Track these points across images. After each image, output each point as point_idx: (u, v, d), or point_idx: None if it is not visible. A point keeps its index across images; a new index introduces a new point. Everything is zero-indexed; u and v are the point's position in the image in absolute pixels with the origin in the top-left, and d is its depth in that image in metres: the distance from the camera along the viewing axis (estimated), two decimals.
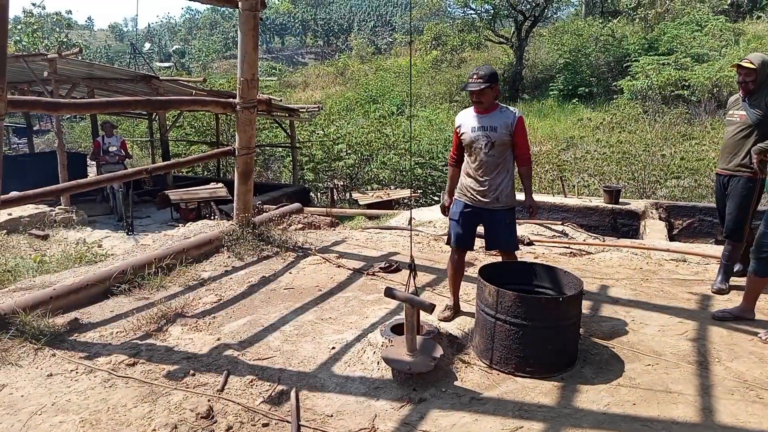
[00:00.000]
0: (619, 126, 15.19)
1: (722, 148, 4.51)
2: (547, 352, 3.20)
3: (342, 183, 15.58)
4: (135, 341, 3.65)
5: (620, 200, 8.52)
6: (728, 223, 4.39)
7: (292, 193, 12.32)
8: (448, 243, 3.93)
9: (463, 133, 3.68)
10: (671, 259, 5.56)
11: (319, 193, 15.16)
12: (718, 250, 5.41)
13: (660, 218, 8.39)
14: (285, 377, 3.23)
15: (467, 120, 3.69)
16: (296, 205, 7.05)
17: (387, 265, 5.02)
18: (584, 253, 5.77)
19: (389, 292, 3.14)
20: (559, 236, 6.66)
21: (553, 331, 3.18)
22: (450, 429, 2.78)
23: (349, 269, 5.04)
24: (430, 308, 2.99)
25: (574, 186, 11.50)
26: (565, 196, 9.23)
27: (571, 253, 5.57)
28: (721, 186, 4.49)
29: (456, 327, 3.75)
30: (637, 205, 8.45)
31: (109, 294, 4.41)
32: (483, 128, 3.61)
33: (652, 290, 4.55)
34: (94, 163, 11.24)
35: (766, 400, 2.99)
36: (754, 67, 4.15)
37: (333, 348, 3.55)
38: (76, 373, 3.26)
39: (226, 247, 5.50)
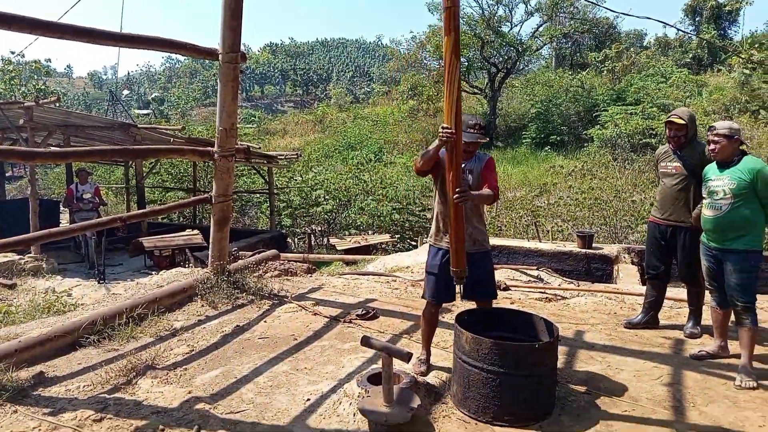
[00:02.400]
0: (590, 173, 15.63)
1: (660, 199, 4.60)
2: (524, 400, 3.17)
3: (320, 228, 15.58)
4: (102, 395, 3.52)
5: (593, 245, 8.66)
6: (686, 272, 4.47)
7: (268, 239, 12.26)
8: (424, 297, 3.91)
9: (443, 172, 3.70)
10: (640, 303, 5.63)
11: (296, 239, 15.11)
12: (680, 293, 5.52)
13: (632, 262, 8.53)
14: None
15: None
16: (272, 251, 7.01)
17: (364, 312, 4.99)
18: (559, 297, 5.82)
19: (366, 341, 3.11)
20: (534, 281, 6.71)
21: (530, 379, 3.17)
22: None
23: (325, 317, 4.99)
24: (407, 357, 2.97)
25: (548, 231, 11.68)
26: (540, 241, 9.36)
27: (546, 298, 5.61)
28: (659, 234, 4.57)
29: (433, 376, 3.72)
30: (609, 249, 8.59)
31: (77, 346, 4.28)
32: (463, 171, 3.67)
33: (627, 335, 4.59)
34: (67, 209, 11.09)
35: None
36: (684, 122, 4.36)
37: (308, 400, 3.48)
38: (39, 430, 3.13)
39: (200, 296, 5.42)
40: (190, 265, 9.16)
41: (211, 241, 5.75)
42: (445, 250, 3.71)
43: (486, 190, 3.61)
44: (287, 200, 14.95)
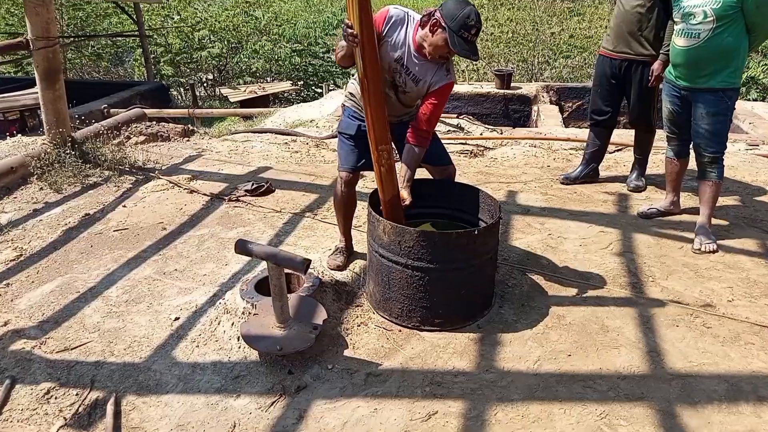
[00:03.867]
0: (507, 2, 14.38)
1: (615, 26, 3.71)
2: (460, 297, 2.46)
3: (210, 77, 13.69)
4: None
5: (512, 84, 7.91)
6: (638, 114, 3.78)
7: (146, 92, 10.44)
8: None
9: (384, 43, 2.49)
10: (572, 149, 5.04)
11: (183, 90, 13.21)
12: (621, 136, 4.95)
13: (551, 102, 7.96)
14: (102, 376, 2.26)
15: (399, 39, 2.49)
16: (136, 110, 5.63)
17: (255, 186, 3.99)
18: (483, 149, 5.07)
19: (241, 247, 2.17)
20: (454, 131, 5.90)
21: (467, 273, 2.43)
22: (341, 429, 2.01)
23: (204, 195, 3.96)
24: (303, 267, 2.09)
25: (463, 71, 10.74)
26: (455, 83, 8.46)
27: (471, 152, 4.84)
28: (610, 70, 3.76)
29: (350, 270, 2.92)
30: (528, 89, 7.88)
31: None
32: (408, 72, 2.53)
33: (565, 193, 3.96)
34: None
35: (714, 330, 2.50)
36: None
37: (176, 319, 2.59)
38: None
39: (36, 176, 4.14)
40: (42, 131, 7.47)
41: (41, 102, 4.33)
42: (360, 112, 2.69)
43: (414, 147, 2.56)
44: (165, 44, 12.73)
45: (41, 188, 4.09)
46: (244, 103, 10.81)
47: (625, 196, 3.90)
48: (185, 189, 4.04)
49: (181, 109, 9.48)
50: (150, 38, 11.59)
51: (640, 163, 3.98)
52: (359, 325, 2.53)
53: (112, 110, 8.28)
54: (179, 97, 12.68)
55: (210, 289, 2.82)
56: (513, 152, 4.90)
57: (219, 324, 2.50)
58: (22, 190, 4.06)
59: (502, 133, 5.79)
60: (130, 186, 4.16)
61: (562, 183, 4.07)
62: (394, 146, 2.61)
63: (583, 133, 5.75)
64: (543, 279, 2.89)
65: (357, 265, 2.96)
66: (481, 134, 5.82)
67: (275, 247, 3.13)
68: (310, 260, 2.13)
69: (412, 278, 2.41)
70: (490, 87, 7.91)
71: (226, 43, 12.65)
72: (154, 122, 5.46)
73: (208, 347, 2.39)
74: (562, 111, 7.93)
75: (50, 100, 4.29)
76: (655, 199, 3.80)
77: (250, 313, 2.43)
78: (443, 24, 2.30)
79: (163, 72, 12.98)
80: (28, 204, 3.86)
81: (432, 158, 2.77)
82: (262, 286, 2.56)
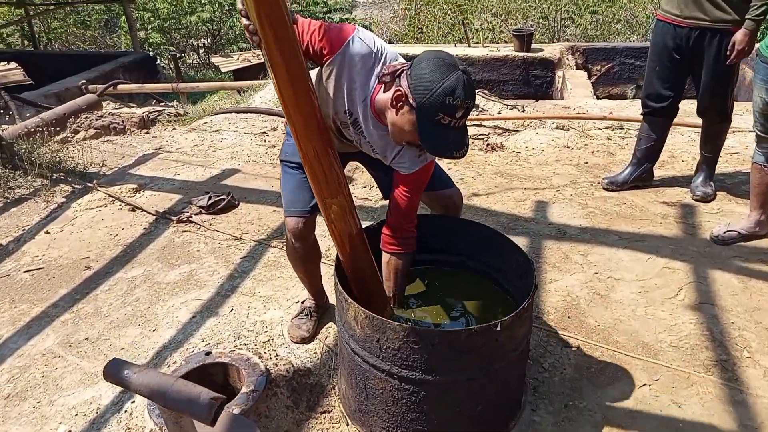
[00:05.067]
0: None
1: None
2: (474, 416, 1.63)
3: (203, 43, 12.67)
4: None
5: (532, 46, 6.91)
6: (710, 99, 2.82)
7: (130, 64, 9.52)
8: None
9: (329, 74, 1.59)
10: (606, 128, 4.10)
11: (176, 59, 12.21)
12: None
13: (577, 66, 6.95)
14: None
15: (355, 83, 1.58)
16: (87, 97, 4.78)
17: (213, 200, 3.14)
18: (502, 132, 4.14)
19: (114, 375, 1.34)
20: None
21: (484, 382, 1.59)
22: None
23: (150, 213, 3.13)
24: (209, 416, 1.26)
25: (477, 30, 9.63)
26: (469, 45, 7.45)
27: (488, 145, 3.91)
28: (674, 42, 2.78)
29: (320, 341, 2.10)
30: (551, 51, 6.87)
31: None
32: (362, 136, 1.69)
33: (611, 204, 3.06)
34: None
35: None
36: None
37: None
38: None
39: None
40: (9, 115, 6.64)
41: None
42: None
43: (394, 257, 1.79)
44: (152, 9, 11.69)
45: None
46: (237, 73, 9.85)
47: (690, 208, 2.99)
48: (127, 205, 3.22)
49: (165, 83, 8.57)
50: (134, 3, 10.58)
51: (709, 163, 3.05)
52: None
53: (90, 86, 7.39)
54: (169, 68, 11.73)
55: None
56: (539, 140, 3.96)
57: None
58: None
59: (524, 111, 4.85)
60: (63, 200, 3.35)
61: (606, 189, 3.17)
62: (360, 171, 1.75)
63: (619, 106, 4.81)
64: (591, 352, 2.04)
65: (331, 332, 2.14)
66: (498, 113, 4.89)
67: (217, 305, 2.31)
68: (224, 400, 1.31)
69: (399, 392, 1.58)
70: (507, 50, 6.93)
71: (217, 5, 11.58)
72: (108, 112, 4.59)
73: None
74: (589, 75, 6.96)
75: None
76: (731, 213, 2.89)
77: None
78: (410, 101, 1.40)
79: (151, 40, 12.00)
80: None
81: (436, 183, 1.90)
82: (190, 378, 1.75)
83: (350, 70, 1.53)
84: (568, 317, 2.22)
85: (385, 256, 1.79)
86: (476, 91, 5.32)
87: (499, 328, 1.47)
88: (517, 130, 4.24)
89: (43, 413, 1.89)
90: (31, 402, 1.94)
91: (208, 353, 1.89)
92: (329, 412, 1.83)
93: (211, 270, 2.62)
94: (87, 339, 2.23)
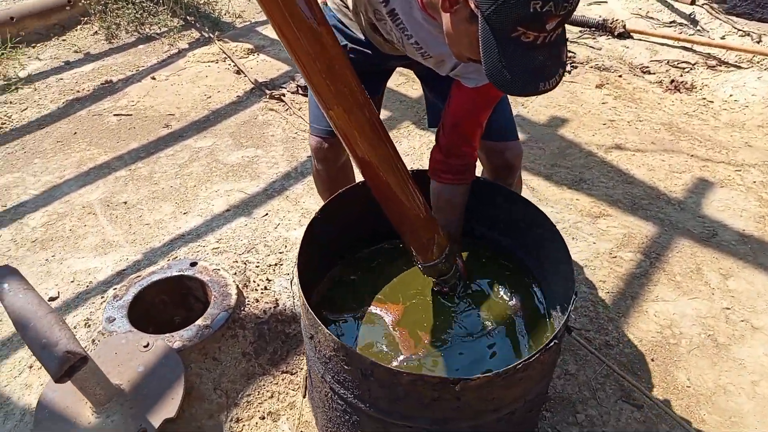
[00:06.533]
0: None
1: None
2: None
3: None
4: None
5: None
6: None
7: None
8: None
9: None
10: None
11: None
12: None
13: None
14: None
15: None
16: None
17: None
18: (715, 65, 3.09)
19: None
20: (679, 26, 3.80)
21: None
22: None
23: (249, 81, 2.92)
24: (57, 372, 1.04)
25: None
26: None
27: (672, 82, 2.93)
28: None
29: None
30: None
31: None
32: (406, 34, 1.17)
33: None
34: None
35: None
36: None
37: (51, 299, 1.77)
38: None
39: (96, 16, 3.45)
40: None
41: None
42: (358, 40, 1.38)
43: (448, 188, 1.34)
44: None
45: (95, 32, 3.41)
46: None
47: None
48: (234, 68, 3.04)
49: None
50: None
51: None
52: (262, 418, 1.46)
53: None
54: None
55: (132, 254, 1.93)
56: (754, 89, 2.88)
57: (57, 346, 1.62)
58: (75, 31, 3.43)
59: (759, 41, 3.58)
60: (184, 47, 3.27)
61: None
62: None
63: None
64: (659, 421, 1.44)
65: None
66: (722, 39, 3.68)
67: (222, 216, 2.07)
68: (82, 357, 1.07)
69: (333, 402, 1.21)
70: None
71: None
72: None
73: (41, 377, 1.55)
74: None
75: None
76: None
77: (96, 343, 1.50)
78: (471, 6, 0.85)
79: None
80: (67, 52, 3.23)
81: (486, 129, 1.35)
82: (134, 312, 1.57)
83: None
84: (652, 359, 1.59)
85: (434, 186, 1.35)
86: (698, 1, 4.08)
87: (458, 388, 1.00)
88: (737, 68, 3.14)
89: (49, 269, 1.89)
90: (48, 253, 1.95)
91: (193, 264, 1.68)
92: (292, 374, 1.55)
93: (273, 162, 2.37)
94: (125, 203, 2.17)
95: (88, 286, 1.81)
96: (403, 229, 1.25)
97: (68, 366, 1.06)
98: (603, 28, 3.47)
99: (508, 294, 1.39)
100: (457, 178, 1.31)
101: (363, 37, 1.36)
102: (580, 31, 3.49)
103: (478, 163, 1.40)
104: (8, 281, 1.15)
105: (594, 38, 3.41)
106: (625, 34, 3.47)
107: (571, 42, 3.30)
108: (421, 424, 1.11)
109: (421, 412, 1.09)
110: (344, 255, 1.51)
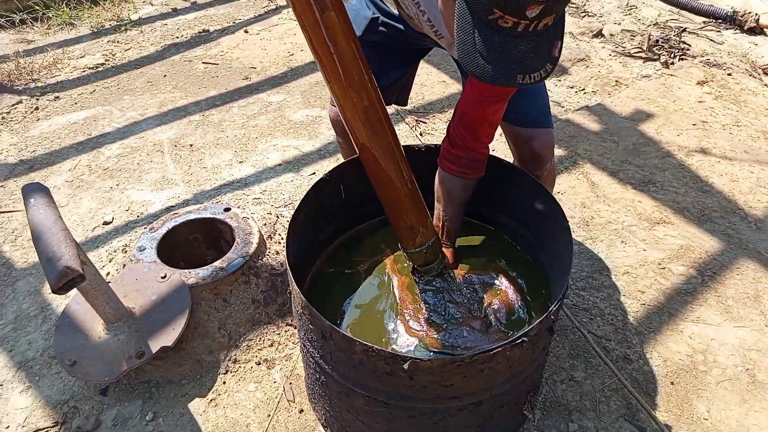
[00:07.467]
0: None
1: None
2: None
3: None
4: None
5: None
6: None
7: None
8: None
9: None
10: None
11: None
12: None
13: None
14: None
15: None
16: None
17: None
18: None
19: (24, 193, 1.29)
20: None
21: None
22: None
23: None
24: (56, 284, 1.14)
25: None
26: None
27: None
28: None
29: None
30: None
31: None
32: (420, 9, 1.17)
33: None
34: None
35: None
36: None
37: (106, 223, 1.95)
38: None
39: None
40: None
41: None
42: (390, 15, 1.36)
43: (453, 179, 1.27)
44: None
45: None
46: None
47: None
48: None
49: None
50: None
51: None
52: (258, 364, 1.53)
53: None
54: None
55: (184, 193, 2.07)
56: None
57: (110, 262, 1.77)
58: None
59: None
60: (282, 4, 3.38)
61: None
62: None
63: None
64: None
65: None
66: None
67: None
68: (78, 275, 1.16)
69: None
70: None
71: None
72: None
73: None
74: None
75: None
76: None
77: (123, 269, 1.63)
78: None
79: None
80: (177, 0, 3.45)
81: (511, 113, 1.28)
82: (165, 245, 1.68)
83: None
84: (672, 382, 1.46)
85: (438, 173, 1.32)
86: None
87: (406, 366, 0.98)
88: None
89: (111, 196, 2.07)
90: (113, 182, 2.14)
91: (227, 209, 1.77)
92: (296, 328, 1.60)
93: None
94: (191, 145, 2.31)
95: (138, 216, 1.97)
96: (390, 212, 1.24)
97: (66, 280, 1.16)
98: (732, 20, 3.11)
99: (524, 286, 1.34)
100: (460, 171, 1.25)
101: (396, 12, 1.33)
102: (704, 22, 3.15)
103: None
104: (35, 196, 1.28)
105: (718, 31, 3.06)
106: (756, 29, 3.09)
107: (690, 33, 3.00)
108: (377, 396, 1.11)
109: (375, 383, 1.08)
110: (360, 222, 1.52)
